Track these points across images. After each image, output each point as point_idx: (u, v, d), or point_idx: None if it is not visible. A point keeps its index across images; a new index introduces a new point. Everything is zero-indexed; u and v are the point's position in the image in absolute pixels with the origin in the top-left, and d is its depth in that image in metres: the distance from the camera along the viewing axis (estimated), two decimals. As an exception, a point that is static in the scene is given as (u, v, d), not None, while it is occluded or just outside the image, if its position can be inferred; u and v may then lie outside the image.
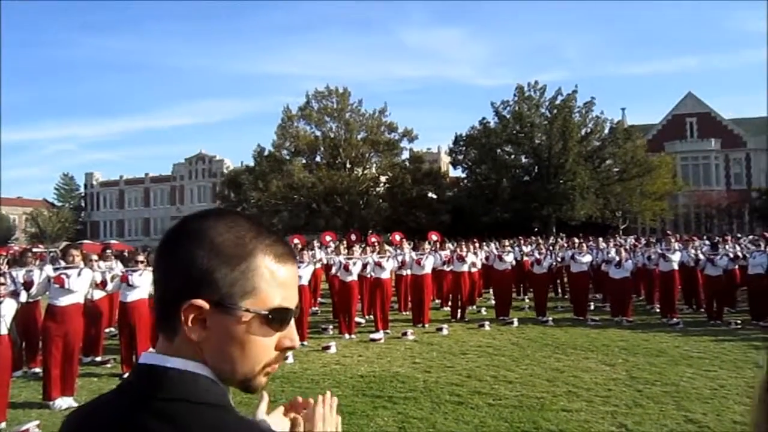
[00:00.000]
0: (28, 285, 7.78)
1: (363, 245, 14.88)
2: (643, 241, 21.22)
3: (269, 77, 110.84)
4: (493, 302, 14.28)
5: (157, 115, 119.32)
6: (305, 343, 10.63)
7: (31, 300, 8.13)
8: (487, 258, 15.35)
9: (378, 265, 12.16)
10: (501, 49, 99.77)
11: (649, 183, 37.50)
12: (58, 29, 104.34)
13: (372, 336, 10.97)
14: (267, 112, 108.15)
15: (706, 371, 8.15)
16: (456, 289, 13.61)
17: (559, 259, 15.06)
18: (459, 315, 13.35)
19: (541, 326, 12.30)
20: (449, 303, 14.13)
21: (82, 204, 72.75)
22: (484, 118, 40.59)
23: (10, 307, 6.51)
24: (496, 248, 15.90)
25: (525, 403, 6.71)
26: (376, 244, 13.92)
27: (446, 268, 14.07)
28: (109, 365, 9.13)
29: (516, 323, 12.46)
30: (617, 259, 13.32)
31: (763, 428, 0.77)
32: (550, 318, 12.91)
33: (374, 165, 43.33)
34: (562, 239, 21.07)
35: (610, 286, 13.58)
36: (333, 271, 12.52)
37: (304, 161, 41.62)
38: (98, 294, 9.47)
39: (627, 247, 16.53)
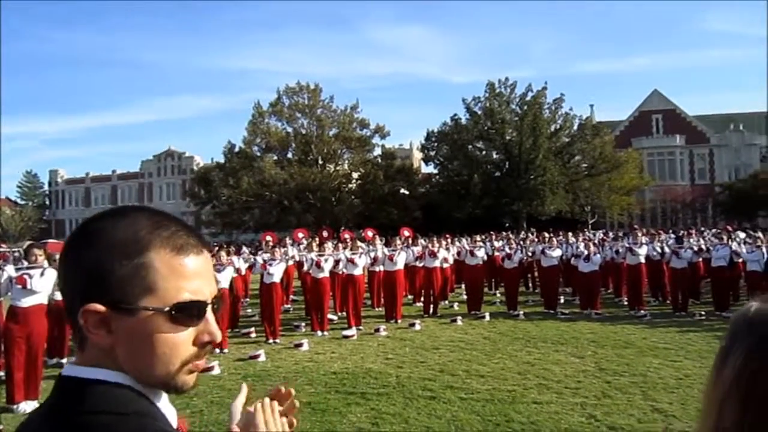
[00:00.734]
0: (-12, 286, 7.54)
1: (335, 242, 14.83)
2: (611, 235, 21.63)
3: (239, 73, 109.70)
4: (465, 297, 14.39)
5: (125, 111, 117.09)
6: (277, 341, 10.57)
7: (-8, 301, 7.89)
8: (458, 253, 15.45)
9: (350, 261, 12.14)
10: (471, 47, 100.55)
11: (616, 178, 38.24)
12: (19, 22, 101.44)
13: (345, 333, 10.95)
14: (237, 108, 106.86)
15: (672, 361, 8.34)
16: (428, 285, 13.66)
17: (529, 254, 15.25)
18: (431, 310, 13.41)
19: (513, 320, 12.43)
20: (422, 298, 14.18)
21: (47, 202, 70.96)
22: (455, 115, 40.90)
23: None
24: (468, 243, 16.01)
25: (497, 396, 6.77)
26: (348, 240, 13.89)
27: (418, 264, 14.12)
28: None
29: (488, 317, 12.57)
30: (586, 253, 13.54)
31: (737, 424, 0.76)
32: (521, 312, 13.05)
33: (346, 161, 43.23)
34: (532, 234, 21.32)
35: (580, 279, 13.82)
36: (305, 268, 12.45)
37: (275, 158, 41.30)
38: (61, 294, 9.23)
39: (596, 241, 16.83)
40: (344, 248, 12.97)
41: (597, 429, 5.71)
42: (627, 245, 14.33)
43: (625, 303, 14.01)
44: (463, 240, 18.09)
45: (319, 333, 11.18)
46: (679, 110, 47.64)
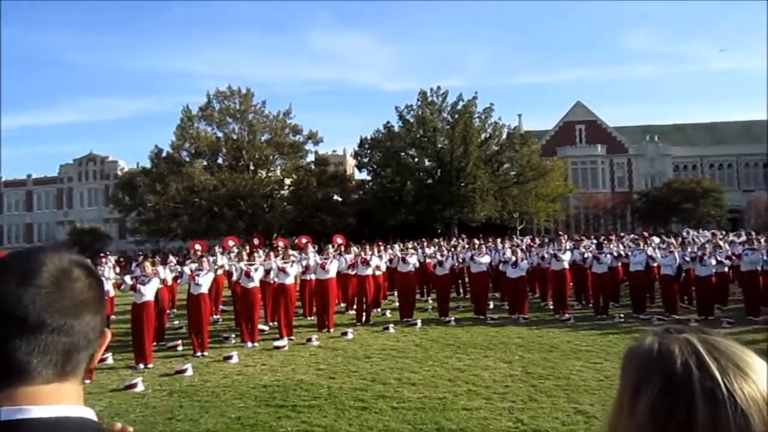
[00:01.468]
0: None
1: (267, 250, 14.56)
2: (537, 241, 22.39)
3: (167, 75, 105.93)
4: (398, 304, 14.48)
5: (41, 113, 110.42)
6: (205, 353, 10.26)
7: None
8: (390, 260, 15.54)
9: (281, 270, 11.96)
10: (407, 55, 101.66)
11: (543, 186, 39.65)
12: None
13: (276, 343, 10.76)
14: (165, 111, 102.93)
15: (593, 363, 8.70)
16: (361, 293, 13.66)
17: (460, 260, 15.54)
18: (364, 318, 13.41)
19: (444, 326, 12.61)
20: (354, 307, 14.15)
21: (-47, 208, 65.98)
22: (388, 122, 41.17)
23: None
24: (400, 251, 16.13)
25: (427, 404, 6.83)
26: (280, 249, 13.69)
27: (351, 272, 14.09)
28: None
29: (419, 324, 12.70)
30: (514, 259, 13.95)
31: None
32: (453, 318, 13.27)
33: (278, 167, 42.60)
34: (463, 240, 21.76)
35: (508, 285, 14.21)
36: (234, 277, 12.17)
37: (204, 163, 40.16)
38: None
39: (523, 247, 17.38)
40: (276, 257, 12.77)
41: (523, 433, 5.87)
42: (552, 251, 14.88)
43: (551, 307, 14.52)
44: (396, 247, 18.22)
45: (250, 344, 10.94)
46: (600, 121, 49.98)
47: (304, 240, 16.02)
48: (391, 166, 39.70)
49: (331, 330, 12.25)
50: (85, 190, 59.25)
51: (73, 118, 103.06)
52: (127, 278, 11.09)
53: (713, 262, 13.20)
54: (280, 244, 14.57)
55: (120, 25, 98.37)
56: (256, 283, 11.48)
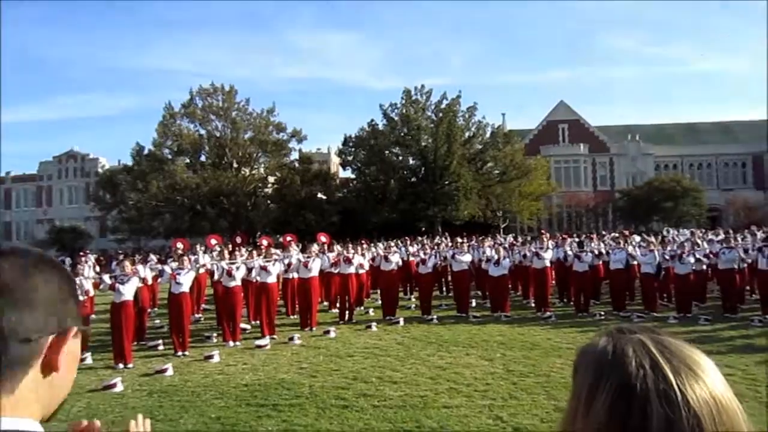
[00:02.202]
0: None
1: (250, 248, 14.49)
2: (520, 239, 22.53)
3: (149, 72, 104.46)
4: (380, 303, 14.50)
5: (20, 109, 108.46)
6: (186, 353, 10.19)
7: None
8: (373, 259, 15.54)
9: (263, 269, 11.91)
10: (391, 54, 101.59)
11: (526, 184, 39.92)
12: None
13: (258, 342, 10.72)
14: (147, 108, 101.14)
15: (573, 361, 8.76)
16: (344, 292, 13.64)
17: (443, 259, 15.58)
18: (347, 317, 13.39)
19: (426, 324, 12.65)
20: (337, 305, 14.14)
21: (-71, 206, 64.70)
22: (372, 120, 41.16)
23: None
24: (383, 249, 16.14)
25: (408, 402, 6.85)
26: (264, 247, 13.63)
27: (334, 270, 14.07)
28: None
29: (402, 323, 12.72)
30: (496, 257, 14.03)
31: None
32: (435, 316, 13.31)
33: (262, 165, 42.36)
34: (446, 239, 21.83)
35: (490, 283, 14.29)
36: (216, 276, 12.09)
37: (187, 161, 39.82)
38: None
39: (506, 245, 17.48)
40: (258, 255, 12.71)
41: (503, 430, 5.91)
42: (534, 250, 14.98)
43: (533, 305, 14.62)
44: (379, 245, 18.23)
45: (231, 343, 10.88)
46: (582, 121, 50.41)
47: (288, 238, 16.00)
48: (375, 165, 39.70)
49: (314, 329, 12.22)
50: (65, 188, 58.40)
51: (54, 115, 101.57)
52: (106, 277, 10.97)
53: (692, 260, 13.38)
54: (264, 242, 14.53)
55: (101, 22, 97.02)
56: (238, 282, 11.42)
